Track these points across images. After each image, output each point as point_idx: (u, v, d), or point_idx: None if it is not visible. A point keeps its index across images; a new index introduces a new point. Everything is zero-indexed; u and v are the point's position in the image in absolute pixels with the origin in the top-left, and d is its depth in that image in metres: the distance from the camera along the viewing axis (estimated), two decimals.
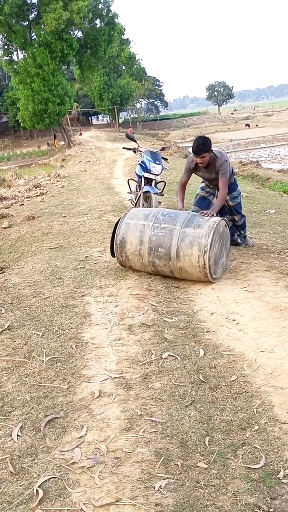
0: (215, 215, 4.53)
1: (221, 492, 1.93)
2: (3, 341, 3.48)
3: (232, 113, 78.81)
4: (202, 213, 4.53)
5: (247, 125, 49.73)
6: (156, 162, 6.48)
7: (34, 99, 31.72)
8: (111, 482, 2.01)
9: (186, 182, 5.13)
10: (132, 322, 3.64)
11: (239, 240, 5.45)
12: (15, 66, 32.24)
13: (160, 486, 1.96)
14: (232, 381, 2.76)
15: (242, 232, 5.44)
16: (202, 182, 5.41)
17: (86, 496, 1.95)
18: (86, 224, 7.64)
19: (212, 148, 4.70)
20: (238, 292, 4.12)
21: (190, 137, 45.73)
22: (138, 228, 4.58)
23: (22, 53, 32.80)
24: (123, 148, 7.86)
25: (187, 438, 2.26)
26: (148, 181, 6.51)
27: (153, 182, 6.49)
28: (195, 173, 5.07)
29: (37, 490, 1.98)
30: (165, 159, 7.04)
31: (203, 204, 5.27)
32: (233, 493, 1.92)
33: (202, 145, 4.63)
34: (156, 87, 77.57)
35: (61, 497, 1.95)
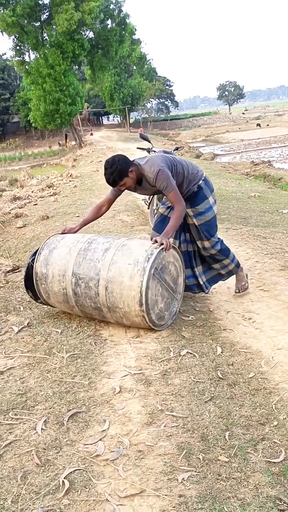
0: (168, 242, 3.36)
1: (242, 484, 1.97)
2: (24, 338, 3.56)
3: (243, 113, 78.60)
4: (154, 241, 3.38)
5: (258, 125, 49.52)
6: None
7: (46, 99, 31.95)
8: (135, 474, 2.07)
9: (110, 201, 3.77)
10: None
11: (204, 285, 3.95)
12: (26, 66, 32.52)
13: (183, 478, 2.00)
14: (250, 378, 2.81)
15: (225, 262, 3.91)
16: None
17: (111, 487, 2.00)
18: (99, 223, 7.70)
19: (133, 163, 3.53)
20: (254, 291, 4.16)
21: (201, 137, 45.74)
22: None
23: (34, 53, 33.11)
24: (137, 148, 7.91)
25: (207, 433, 2.31)
26: None
27: None
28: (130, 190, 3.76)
29: (63, 481, 2.04)
30: None
31: (163, 227, 3.61)
32: (254, 486, 1.96)
33: (111, 175, 3.43)
34: (167, 87, 77.68)
35: (86, 488, 2.01)
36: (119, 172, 3.42)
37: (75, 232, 3.88)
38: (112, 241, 3.59)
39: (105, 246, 3.54)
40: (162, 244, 3.31)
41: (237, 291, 4.08)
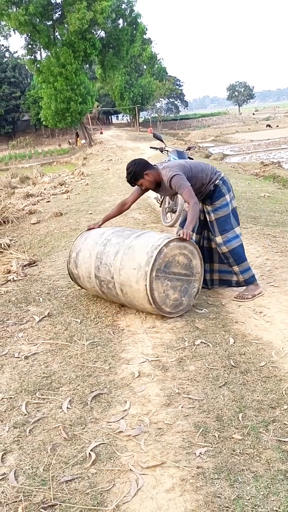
0: (190, 233, 3.66)
1: (255, 459, 2.14)
2: (45, 327, 3.74)
3: (253, 114, 78.48)
4: (178, 234, 3.66)
5: (269, 125, 49.43)
6: None
7: (57, 98, 32.20)
8: (156, 448, 2.24)
9: (133, 198, 4.08)
10: None
11: (210, 281, 4.33)
12: (38, 65, 32.74)
13: (200, 453, 2.18)
14: (261, 366, 2.97)
15: (235, 270, 4.05)
16: None
17: (134, 459, 2.18)
18: (112, 221, 7.86)
19: (152, 166, 3.90)
20: (264, 286, 4.31)
21: (210, 137, 45.78)
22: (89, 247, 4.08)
23: (45, 52, 33.31)
24: (151, 147, 8.10)
25: (222, 414, 2.48)
26: None
27: None
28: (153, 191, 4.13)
29: (89, 453, 2.23)
30: (191, 159, 7.25)
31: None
32: (266, 461, 2.13)
33: (128, 175, 3.89)
34: (177, 86, 77.71)
35: (111, 460, 2.19)
36: (134, 173, 3.87)
37: (99, 226, 4.31)
38: (122, 241, 3.83)
39: (115, 249, 3.82)
40: (183, 235, 3.59)
41: (236, 296, 4.14)
